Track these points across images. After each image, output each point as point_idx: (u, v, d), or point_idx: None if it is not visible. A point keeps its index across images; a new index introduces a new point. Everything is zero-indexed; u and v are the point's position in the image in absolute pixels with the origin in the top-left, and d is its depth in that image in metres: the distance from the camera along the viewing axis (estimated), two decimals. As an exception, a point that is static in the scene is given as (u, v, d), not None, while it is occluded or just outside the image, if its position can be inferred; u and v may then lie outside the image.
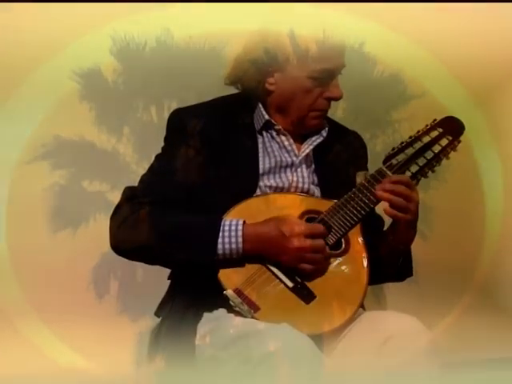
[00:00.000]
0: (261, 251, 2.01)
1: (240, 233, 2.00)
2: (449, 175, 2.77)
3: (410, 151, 2.09)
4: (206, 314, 2.03)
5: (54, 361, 2.87)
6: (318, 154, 2.19)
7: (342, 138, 2.25)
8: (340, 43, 2.11)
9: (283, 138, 2.17)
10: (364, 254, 2.07)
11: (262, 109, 2.17)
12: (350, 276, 2.05)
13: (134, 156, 3.02)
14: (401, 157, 2.09)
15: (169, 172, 2.11)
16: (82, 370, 2.86)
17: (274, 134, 2.17)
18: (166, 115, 2.24)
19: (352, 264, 2.06)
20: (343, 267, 2.05)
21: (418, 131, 2.10)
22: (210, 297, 2.01)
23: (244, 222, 2.01)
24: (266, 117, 2.16)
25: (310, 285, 2.01)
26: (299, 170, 2.17)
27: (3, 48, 2.76)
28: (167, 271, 2.19)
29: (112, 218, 2.11)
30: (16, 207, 2.90)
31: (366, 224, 2.09)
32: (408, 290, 2.52)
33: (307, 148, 2.18)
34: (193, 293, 2.05)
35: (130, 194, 2.13)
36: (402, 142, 2.10)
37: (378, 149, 2.96)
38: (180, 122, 2.16)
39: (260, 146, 2.16)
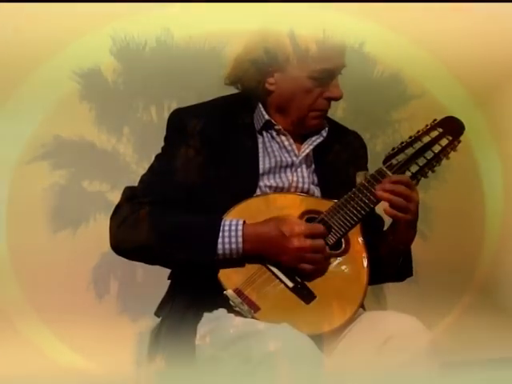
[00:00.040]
0: (261, 251, 2.01)
1: (240, 233, 2.00)
2: (449, 175, 2.77)
3: (410, 151, 2.09)
4: (206, 314, 2.03)
5: (54, 361, 2.87)
6: (318, 154, 2.19)
7: (342, 138, 2.25)
8: (340, 43, 2.11)
9: (283, 137, 2.17)
10: (364, 254, 2.07)
11: (262, 109, 2.17)
12: (350, 276, 2.04)
13: (134, 156, 3.03)
14: (401, 157, 2.09)
15: (169, 172, 2.11)
16: (81, 370, 2.86)
17: (274, 133, 2.17)
18: (166, 115, 2.24)
19: (352, 264, 2.06)
20: (343, 267, 2.05)
21: (418, 131, 2.10)
22: (210, 297, 2.01)
23: (244, 222, 2.01)
24: (266, 117, 2.16)
25: (310, 285, 2.01)
26: (299, 170, 2.16)
27: (3, 48, 2.76)
28: (167, 271, 2.19)
29: (112, 218, 2.11)
30: (16, 207, 2.90)
31: (366, 224, 2.09)
32: (408, 289, 2.52)
33: (307, 148, 2.18)
34: (193, 293, 2.05)
35: (130, 194, 2.13)
36: (402, 142, 2.10)
37: (378, 149, 2.96)
38: (180, 122, 2.16)
39: (260, 145, 2.16)
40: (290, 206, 2.07)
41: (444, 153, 2.09)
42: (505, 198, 3.21)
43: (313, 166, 2.19)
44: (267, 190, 2.12)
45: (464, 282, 3.21)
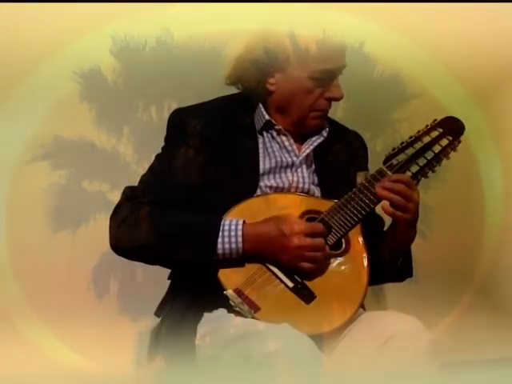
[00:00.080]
0: (261, 251, 2.01)
1: (240, 232, 2.00)
2: (449, 175, 2.77)
3: (410, 151, 2.09)
4: (206, 314, 2.03)
5: (54, 361, 2.87)
6: (319, 154, 2.19)
7: (342, 138, 2.25)
8: (341, 43, 2.11)
9: (284, 138, 2.17)
10: (364, 254, 2.07)
11: (263, 109, 2.17)
12: (350, 276, 2.05)
13: (134, 156, 3.02)
14: (401, 157, 2.09)
15: (169, 172, 2.11)
16: (81, 370, 2.86)
17: (275, 134, 2.17)
18: (166, 115, 2.24)
19: (352, 264, 2.06)
20: (343, 267, 2.05)
21: (419, 131, 2.10)
22: (210, 297, 2.01)
23: (244, 221, 2.01)
24: (267, 117, 2.16)
25: (310, 285, 2.01)
26: (299, 170, 2.16)
27: (3, 48, 2.76)
28: (167, 271, 2.19)
29: (112, 218, 2.11)
30: (16, 207, 2.90)
31: (366, 224, 2.09)
32: (408, 289, 2.52)
33: (308, 148, 2.18)
34: (193, 293, 2.05)
35: (130, 194, 2.13)
36: (403, 142, 2.10)
37: (378, 149, 2.96)
38: (180, 122, 2.16)
39: (260, 146, 2.16)
40: (291, 206, 2.07)
41: (444, 153, 2.09)
42: (505, 197, 3.21)
43: (313, 166, 2.19)
44: (267, 190, 2.12)
45: (464, 282, 3.21)
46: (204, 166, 2.09)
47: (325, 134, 2.19)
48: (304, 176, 2.16)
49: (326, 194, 2.14)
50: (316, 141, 2.18)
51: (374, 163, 2.20)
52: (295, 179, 2.15)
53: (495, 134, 3.18)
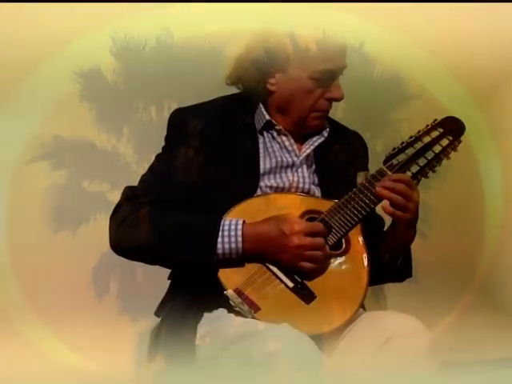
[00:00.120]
0: (261, 250, 2.01)
1: (240, 232, 2.00)
2: (449, 175, 2.77)
3: (410, 151, 2.09)
4: (206, 314, 2.03)
5: (54, 361, 2.87)
6: (319, 155, 2.19)
7: (342, 139, 2.25)
8: (341, 44, 2.11)
9: (284, 138, 2.17)
10: (364, 254, 2.07)
11: (263, 109, 2.17)
12: (350, 276, 2.04)
13: (134, 156, 3.03)
14: (401, 157, 2.09)
15: (169, 172, 2.11)
16: (81, 370, 2.86)
17: (275, 134, 2.17)
18: (166, 115, 2.24)
19: (352, 264, 2.06)
20: (343, 267, 2.05)
21: (419, 131, 2.10)
22: (211, 297, 2.01)
23: (244, 221, 2.01)
24: (267, 117, 2.16)
25: (310, 285, 2.01)
26: (300, 170, 2.16)
27: (3, 48, 2.76)
28: (167, 271, 2.19)
29: (112, 218, 2.11)
30: (16, 207, 2.90)
31: (366, 224, 2.09)
32: (408, 289, 2.51)
33: (308, 148, 2.18)
34: (193, 293, 2.05)
35: (130, 194, 2.13)
36: (403, 142, 2.10)
37: (378, 149, 2.96)
38: (181, 122, 2.16)
39: (261, 146, 2.16)
40: (291, 206, 2.07)
41: (444, 153, 2.09)
42: (505, 198, 3.21)
43: (313, 167, 2.19)
44: (268, 190, 2.12)
45: (464, 282, 3.21)
46: (204, 165, 2.09)
47: (325, 134, 2.19)
48: (304, 176, 2.16)
49: (326, 194, 2.14)
50: (316, 141, 2.18)
51: (374, 163, 2.20)
52: (295, 179, 2.15)
53: (495, 133, 3.18)
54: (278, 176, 2.14)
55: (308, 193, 2.15)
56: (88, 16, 2.79)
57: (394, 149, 2.09)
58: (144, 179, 2.16)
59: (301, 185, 2.15)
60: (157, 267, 2.12)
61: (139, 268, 2.98)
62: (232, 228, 2.00)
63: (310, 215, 2.06)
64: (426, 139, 2.09)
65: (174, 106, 2.25)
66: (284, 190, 2.13)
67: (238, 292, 1.98)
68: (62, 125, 2.94)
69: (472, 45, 2.99)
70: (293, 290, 2.00)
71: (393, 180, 2.04)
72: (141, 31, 2.92)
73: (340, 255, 2.06)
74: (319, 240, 2.01)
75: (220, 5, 2.78)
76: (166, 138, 2.19)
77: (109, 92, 2.98)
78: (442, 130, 2.09)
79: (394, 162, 2.08)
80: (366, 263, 2.06)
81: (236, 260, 2.01)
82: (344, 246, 2.06)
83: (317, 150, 2.18)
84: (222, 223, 2.01)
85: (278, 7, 2.40)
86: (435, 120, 2.10)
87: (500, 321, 3.12)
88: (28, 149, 2.91)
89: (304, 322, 1.95)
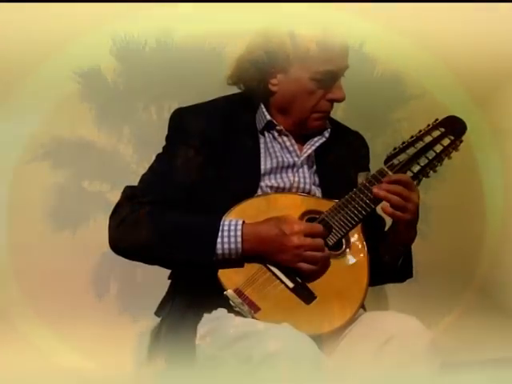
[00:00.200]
0: (260, 251, 2.01)
1: (239, 233, 2.00)
2: (449, 175, 2.77)
3: (411, 151, 2.08)
4: (206, 314, 2.03)
5: (53, 361, 2.87)
6: (320, 155, 2.19)
7: (343, 139, 2.25)
8: (343, 45, 2.11)
9: (285, 138, 2.17)
10: (364, 255, 2.07)
11: (264, 109, 2.16)
12: (350, 276, 2.04)
13: (133, 156, 3.03)
14: (402, 157, 2.08)
15: (169, 172, 2.11)
16: (81, 369, 2.86)
17: (276, 134, 2.17)
18: (166, 115, 2.24)
19: (352, 264, 2.06)
20: (343, 267, 2.05)
21: (420, 131, 2.10)
22: (211, 297, 2.01)
23: (243, 221, 2.01)
24: (268, 117, 2.16)
25: (310, 285, 2.01)
26: (301, 170, 2.16)
27: (3, 48, 2.76)
28: (167, 271, 2.19)
29: (111, 218, 2.10)
30: (16, 207, 2.90)
31: (366, 224, 2.09)
32: (408, 289, 2.51)
33: (309, 149, 2.18)
34: (193, 293, 2.05)
35: (129, 194, 2.13)
36: (404, 142, 2.09)
37: (378, 149, 2.96)
38: (181, 122, 2.16)
39: (262, 146, 2.16)
40: (291, 206, 2.07)
41: (446, 152, 2.09)
42: (505, 197, 3.21)
43: (314, 167, 2.19)
44: (268, 190, 2.12)
45: (464, 282, 3.21)
46: (205, 165, 2.09)
47: (326, 134, 2.19)
48: (305, 176, 2.16)
49: (326, 195, 2.14)
50: (318, 141, 2.18)
51: (374, 163, 2.20)
52: (296, 179, 2.15)
53: (495, 133, 3.18)
54: (278, 176, 2.14)
55: (309, 193, 2.15)
56: (88, 16, 2.79)
57: (394, 148, 2.09)
58: (144, 179, 2.16)
59: (301, 185, 2.15)
60: (157, 267, 2.11)
61: (139, 268, 2.97)
62: (232, 228, 2.00)
63: (310, 215, 2.06)
64: (428, 139, 2.09)
65: (174, 106, 2.24)
66: (285, 191, 2.13)
67: (238, 292, 1.98)
68: (62, 125, 2.93)
69: (472, 45, 2.99)
70: (293, 290, 2.00)
71: (390, 181, 2.04)
72: (141, 31, 2.92)
73: (340, 255, 2.06)
74: (319, 241, 2.00)
75: (220, 5, 2.78)
76: (167, 138, 2.19)
77: (109, 92, 2.98)
78: (443, 130, 2.09)
79: (395, 161, 2.08)
80: (366, 263, 2.06)
81: (236, 260, 2.01)
82: (344, 246, 2.06)
83: (318, 151, 2.18)
84: (221, 223, 2.01)
85: (277, 7, 2.40)
86: (436, 119, 2.10)
87: (500, 321, 3.12)
88: (28, 149, 2.91)
89: (304, 322, 1.95)
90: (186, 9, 2.83)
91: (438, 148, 2.09)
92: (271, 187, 2.12)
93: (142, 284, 3.01)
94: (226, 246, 1.99)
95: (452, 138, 2.09)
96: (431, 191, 2.87)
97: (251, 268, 2.01)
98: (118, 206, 2.11)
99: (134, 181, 2.18)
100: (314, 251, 1.99)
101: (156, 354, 2.07)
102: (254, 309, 1.97)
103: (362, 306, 2.08)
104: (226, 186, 2.08)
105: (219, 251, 1.99)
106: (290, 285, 2.00)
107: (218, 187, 2.08)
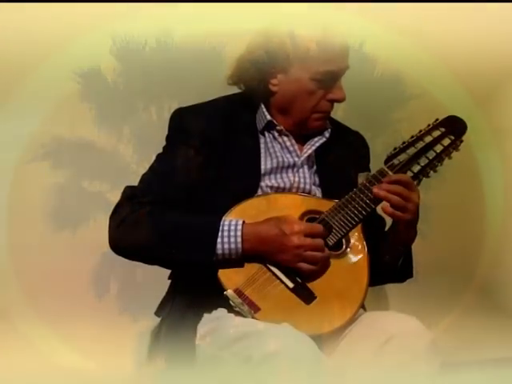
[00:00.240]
0: (260, 251, 2.01)
1: (239, 233, 2.00)
2: (449, 175, 2.77)
3: (411, 151, 2.08)
4: (206, 314, 2.03)
5: (54, 361, 2.86)
6: (320, 155, 2.19)
7: (344, 139, 2.25)
8: (343, 45, 2.11)
9: (285, 138, 2.17)
10: (365, 255, 2.07)
11: (265, 109, 2.16)
12: (350, 276, 2.04)
13: (133, 156, 3.02)
14: (402, 157, 2.08)
15: (170, 172, 2.11)
16: (81, 369, 2.86)
17: (276, 134, 2.17)
18: (167, 115, 2.24)
19: (353, 264, 2.06)
20: (344, 268, 2.05)
21: (420, 130, 2.10)
22: (211, 297, 2.01)
23: (243, 221, 2.01)
24: (268, 117, 2.16)
25: (310, 285, 2.01)
26: (301, 170, 2.16)
27: (3, 48, 2.75)
28: (167, 271, 2.19)
29: (111, 218, 2.11)
30: (16, 207, 2.90)
31: (367, 224, 2.09)
32: (408, 290, 2.51)
33: (309, 149, 2.18)
34: (193, 293, 2.05)
35: (130, 194, 2.13)
36: (404, 142, 2.09)
37: (378, 149, 2.96)
38: (182, 122, 2.16)
39: (262, 146, 2.16)
40: (291, 206, 2.07)
41: (446, 152, 2.09)
42: (505, 197, 3.20)
43: (314, 167, 2.19)
44: (268, 190, 2.12)
45: (464, 282, 3.21)
46: (205, 165, 2.09)
47: (327, 134, 2.19)
48: (305, 177, 2.16)
49: (327, 195, 2.14)
50: (318, 141, 2.18)
51: (375, 163, 2.20)
52: (296, 180, 2.15)
53: (495, 133, 3.18)
54: (278, 176, 2.14)
55: (309, 193, 2.15)
56: (88, 16, 2.79)
57: (395, 148, 2.09)
58: (144, 179, 2.16)
59: (302, 185, 2.15)
60: (157, 267, 2.12)
61: (139, 268, 2.97)
62: (232, 228, 2.00)
63: (310, 215, 2.06)
64: (428, 139, 2.09)
65: (175, 106, 2.24)
66: (285, 191, 2.13)
67: (238, 292, 1.98)
68: (62, 125, 2.93)
69: (472, 45, 2.99)
70: (293, 290, 2.00)
71: (390, 182, 2.04)
72: (141, 31, 2.92)
73: (340, 255, 2.06)
74: (319, 241, 2.01)
75: (220, 5, 2.78)
76: (167, 138, 2.19)
77: (109, 92, 2.97)
78: (443, 130, 2.09)
79: (395, 161, 2.08)
80: (366, 263, 2.06)
81: (236, 260, 2.01)
82: (344, 246, 2.06)
83: (318, 151, 2.18)
84: (221, 223, 2.01)
85: (277, 7, 2.40)
86: (437, 119, 2.10)
87: (500, 321, 3.12)
88: (28, 149, 2.91)
89: (304, 322, 1.95)
90: (186, 9, 2.83)
91: (439, 148, 2.09)
92: (271, 187, 2.12)
93: (142, 284, 3.00)
94: (226, 246, 1.99)
95: (452, 137, 2.09)
96: (431, 191, 2.87)
97: (251, 268, 2.01)
98: (118, 206, 2.11)
99: (134, 181, 2.18)
100: (314, 251, 2.00)
101: (156, 354, 2.07)
102: (253, 309, 1.97)
103: (362, 306, 2.08)
104: (226, 186, 2.08)
105: (219, 251, 2.00)
106: (290, 285, 2.00)
107: (218, 187, 2.08)
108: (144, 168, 2.21)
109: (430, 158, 2.08)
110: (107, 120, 2.99)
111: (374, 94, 3.09)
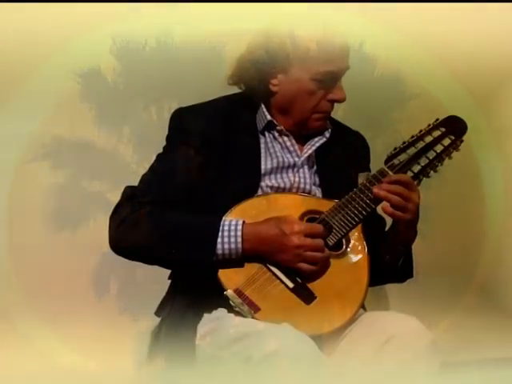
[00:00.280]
0: (260, 251, 2.01)
1: (239, 233, 2.00)
2: (449, 175, 2.77)
3: (412, 151, 2.08)
4: (206, 314, 2.03)
5: (54, 361, 2.86)
6: (320, 155, 2.19)
7: (344, 139, 2.25)
8: (343, 45, 2.11)
9: (285, 138, 2.17)
10: (365, 255, 2.07)
11: (265, 109, 2.16)
12: (350, 276, 2.04)
13: (133, 156, 3.02)
14: (403, 157, 2.08)
15: (170, 172, 2.11)
16: (81, 369, 2.86)
17: (277, 134, 2.17)
18: (167, 115, 2.25)
19: (353, 264, 2.06)
20: (344, 268, 2.05)
21: (421, 130, 2.10)
22: (211, 297, 2.01)
23: (244, 221, 2.01)
24: (268, 117, 2.16)
25: (310, 285, 2.01)
26: (301, 170, 2.16)
27: (3, 48, 2.75)
28: (167, 271, 2.19)
29: (111, 218, 2.10)
30: (16, 207, 2.90)
31: (367, 224, 2.09)
32: (408, 290, 2.51)
33: (309, 149, 2.18)
34: (193, 293, 2.05)
35: (130, 194, 2.13)
36: (404, 142, 2.09)
37: (378, 149, 2.96)
38: (182, 122, 2.16)
39: (262, 146, 2.16)
40: (291, 206, 2.07)
41: (446, 152, 2.09)
42: (505, 197, 3.20)
43: (315, 167, 2.19)
44: (268, 190, 2.12)
45: (464, 282, 3.21)
46: (205, 165, 2.09)
47: (327, 134, 2.19)
48: (305, 177, 2.16)
49: (327, 195, 2.14)
50: (318, 141, 2.18)
51: (375, 163, 2.20)
52: (297, 180, 2.15)
53: (495, 133, 3.18)
54: (279, 176, 2.14)
55: (309, 193, 2.15)
56: (88, 16, 2.79)
57: (395, 148, 2.09)
58: (144, 179, 2.16)
59: (302, 185, 2.15)
60: (157, 267, 2.12)
61: (139, 268, 2.96)
62: (232, 228, 2.00)
63: (310, 215, 2.06)
64: (428, 139, 2.09)
65: (175, 106, 2.24)
66: (285, 191, 2.13)
67: (238, 292, 1.98)
68: (62, 125, 2.93)
69: (472, 45, 2.99)
70: (293, 290, 2.00)
71: (390, 182, 2.04)
72: (141, 31, 2.92)
73: (340, 256, 2.06)
74: (319, 241, 2.01)
75: (220, 5, 2.78)
76: (167, 138, 2.19)
77: (109, 92, 2.97)
78: (443, 130, 2.09)
79: (396, 161, 2.08)
80: (366, 263, 2.06)
81: (236, 260, 2.01)
82: (344, 246, 2.06)
83: (318, 151, 2.18)
84: (222, 223, 2.01)
85: (277, 7, 2.40)
86: (437, 119, 2.10)
87: (500, 321, 3.12)
88: (28, 149, 2.91)
89: (304, 322, 1.95)
90: (186, 9, 2.83)
91: (439, 148, 2.09)
92: (271, 187, 2.12)
93: (142, 284, 3.00)
94: (226, 246, 1.99)
95: (452, 137, 2.09)
96: (431, 191, 2.86)
97: (251, 268, 2.02)
98: (119, 206, 2.11)
99: (134, 181, 2.18)
100: (314, 251, 2.00)
101: (156, 353, 2.07)
102: (253, 309, 1.97)
103: (362, 306, 2.08)
104: (227, 186, 2.08)
105: (219, 251, 2.00)
106: (290, 285, 2.00)
107: (219, 187, 2.08)
108: (144, 168, 2.21)
109: (431, 157, 2.08)
110: (107, 120, 2.99)
111: (374, 93, 3.09)
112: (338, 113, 2.68)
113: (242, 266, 2.01)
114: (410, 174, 2.07)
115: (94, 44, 2.86)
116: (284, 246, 1.99)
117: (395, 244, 2.13)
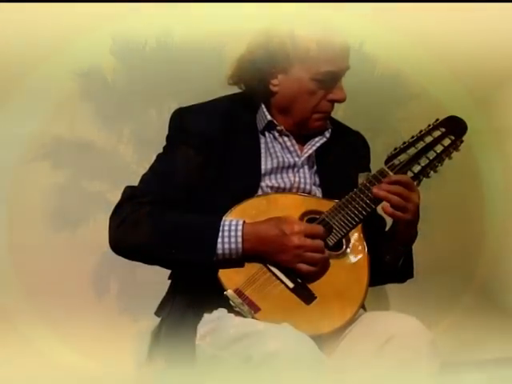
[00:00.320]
0: (260, 251, 2.01)
1: (240, 233, 2.00)
2: (449, 175, 2.77)
3: (412, 151, 2.09)
4: (206, 314, 2.03)
5: (54, 361, 2.86)
6: (321, 155, 2.19)
7: (344, 139, 2.25)
8: (343, 46, 2.11)
9: (286, 138, 2.17)
10: (365, 255, 2.07)
11: (265, 109, 2.16)
12: (350, 277, 2.05)
13: (133, 156, 3.02)
14: (403, 157, 2.09)
15: (170, 172, 2.11)
16: (81, 369, 2.86)
17: (277, 134, 2.17)
18: (167, 115, 2.24)
19: (353, 265, 2.06)
20: (344, 268, 2.05)
21: (421, 131, 2.10)
22: (211, 297, 2.01)
23: (244, 221, 2.01)
24: (269, 117, 2.16)
25: (310, 285, 2.01)
26: (301, 170, 2.17)
27: (3, 48, 2.75)
28: (167, 271, 2.19)
29: (112, 218, 2.11)
30: (16, 207, 2.90)
31: (367, 225, 2.09)
32: (408, 290, 2.51)
33: (310, 149, 2.18)
34: (193, 293, 2.05)
35: (130, 194, 2.13)
36: (404, 142, 2.10)
37: (378, 149, 2.96)
38: (182, 122, 2.16)
39: (262, 146, 2.16)
40: (291, 206, 2.07)
41: (446, 153, 2.09)
42: (505, 198, 3.20)
43: (315, 167, 2.19)
44: (269, 190, 2.12)
45: (464, 283, 3.21)
46: (205, 165, 2.09)
47: (327, 134, 2.19)
48: (306, 177, 2.16)
49: (327, 195, 2.15)
50: (318, 141, 2.18)
51: (375, 163, 2.20)
52: (297, 180, 2.15)
53: (495, 133, 3.18)
54: (279, 176, 2.14)
55: (309, 193, 2.15)
56: (88, 16, 2.79)
57: (395, 149, 2.09)
58: (144, 179, 2.16)
59: (302, 185, 2.15)
60: (157, 267, 2.12)
61: (139, 268, 2.96)
62: (232, 228, 2.00)
63: (310, 215, 2.07)
64: (428, 139, 2.09)
65: (175, 106, 2.24)
66: (285, 191, 2.13)
67: (239, 292, 1.98)
68: (62, 125, 2.93)
69: (472, 45, 2.99)
70: (293, 290, 2.00)
71: (390, 182, 2.04)
72: (141, 31, 2.92)
73: (340, 255, 2.06)
74: (318, 242, 2.01)
75: (220, 5, 2.78)
76: (167, 138, 2.19)
77: (109, 92, 2.97)
78: (443, 130, 2.09)
79: (396, 162, 2.08)
80: (366, 264, 2.06)
81: (236, 260, 2.01)
82: (344, 246, 2.07)
83: (318, 151, 2.18)
84: (222, 223, 2.01)
85: (277, 7, 2.40)
86: (437, 119, 2.10)
87: (500, 321, 3.12)
88: (28, 149, 2.90)
89: (304, 322, 1.95)
90: (186, 9, 2.83)
91: (439, 148, 2.09)
92: (271, 187, 2.12)
93: (142, 284, 3.00)
94: (226, 245, 2.00)
95: (452, 138, 2.09)
96: (431, 191, 2.86)
97: (251, 268, 2.02)
98: (119, 207, 2.12)
99: (134, 181, 2.18)
100: (314, 252, 2.00)
101: (156, 354, 2.07)
102: (254, 309, 1.97)
103: (362, 306, 2.08)
104: (227, 186, 2.08)
105: (219, 251, 2.00)
106: (290, 285, 2.01)
107: (219, 187, 2.08)
108: (144, 168, 2.21)
109: (431, 158, 2.08)
110: (107, 120, 2.98)
111: (374, 94, 3.09)
112: (338, 113, 2.68)
113: (242, 266, 2.02)
114: (410, 174, 2.07)
115: (93, 44, 2.86)
116: (284, 247, 1.99)
117: (395, 244, 2.13)
